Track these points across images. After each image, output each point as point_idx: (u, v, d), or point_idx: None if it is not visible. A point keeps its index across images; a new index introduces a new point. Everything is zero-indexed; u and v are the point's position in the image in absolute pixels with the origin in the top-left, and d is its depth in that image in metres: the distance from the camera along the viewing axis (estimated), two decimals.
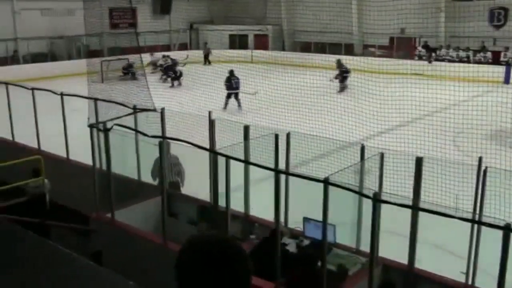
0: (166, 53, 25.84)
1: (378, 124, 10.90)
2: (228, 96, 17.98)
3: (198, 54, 28.84)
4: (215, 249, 1.41)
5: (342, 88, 20.89)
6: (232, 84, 18.01)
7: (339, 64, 21.81)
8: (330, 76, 20.43)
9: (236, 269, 1.41)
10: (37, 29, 26.55)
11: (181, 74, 23.41)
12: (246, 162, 6.49)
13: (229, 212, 6.09)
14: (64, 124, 10.46)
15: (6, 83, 12.11)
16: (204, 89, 14.11)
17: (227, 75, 18.18)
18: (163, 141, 6.83)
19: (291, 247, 6.36)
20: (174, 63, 24.12)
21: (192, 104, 11.25)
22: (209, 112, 7.46)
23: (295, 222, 6.70)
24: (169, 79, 23.45)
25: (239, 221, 7.00)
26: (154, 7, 31.73)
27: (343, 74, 21.36)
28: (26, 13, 26.59)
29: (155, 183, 8.19)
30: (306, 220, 6.29)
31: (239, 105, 17.86)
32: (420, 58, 26.54)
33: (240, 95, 18.01)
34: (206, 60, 29.51)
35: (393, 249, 5.96)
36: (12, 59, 26.13)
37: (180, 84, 22.96)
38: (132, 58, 21.12)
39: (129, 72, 20.66)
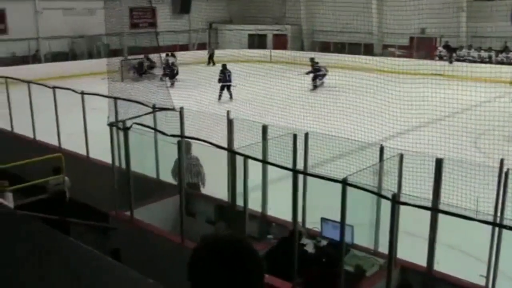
0: (170, 52, 25.26)
1: (397, 125, 10.79)
2: (222, 88, 19.71)
3: (218, 53, 28.92)
4: (228, 249, 1.42)
5: (314, 87, 21.21)
6: (225, 76, 19.74)
7: (312, 62, 22.07)
8: (301, 71, 21.14)
9: (249, 270, 1.41)
10: (58, 29, 26.91)
11: (177, 73, 22.83)
12: (264, 162, 6.49)
13: (247, 211, 6.09)
14: (84, 122, 10.57)
15: (28, 82, 12.29)
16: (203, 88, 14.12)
17: (221, 68, 20.08)
18: (182, 140, 6.86)
19: (309, 247, 6.34)
20: (172, 62, 23.41)
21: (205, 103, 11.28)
22: (227, 112, 7.47)
23: (312, 222, 6.67)
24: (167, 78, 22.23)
25: (257, 221, 7.00)
26: (173, 7, 31.91)
27: (315, 72, 21.69)
28: (48, 13, 26.97)
29: (176, 182, 8.22)
30: (323, 220, 6.26)
31: (231, 96, 19.44)
32: (441, 58, 26.24)
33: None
34: (210, 60, 29.46)
35: (411, 251, 5.90)
36: (34, 58, 26.51)
37: (172, 84, 21.32)
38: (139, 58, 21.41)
39: (142, 72, 20.74)
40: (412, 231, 6.68)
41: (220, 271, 1.37)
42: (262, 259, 1.47)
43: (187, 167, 8.27)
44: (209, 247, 1.43)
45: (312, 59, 22.27)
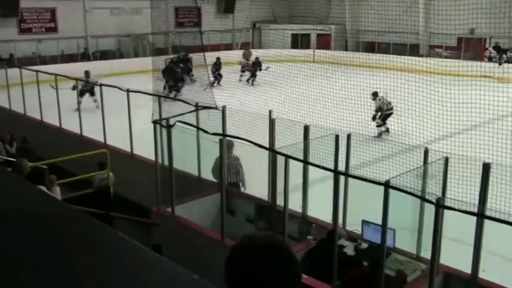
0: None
1: (443, 127, 10.53)
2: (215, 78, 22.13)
3: (261, 53, 28.85)
4: (266, 250, 1.41)
5: (251, 82, 22.51)
6: (219, 67, 22.37)
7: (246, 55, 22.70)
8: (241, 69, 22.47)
9: (286, 272, 1.40)
10: (106, 28, 27.60)
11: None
12: (306, 162, 6.46)
13: (287, 211, 6.08)
14: (129, 119, 10.79)
15: (76, 79, 12.65)
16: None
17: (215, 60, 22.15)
18: (224, 138, 6.91)
19: (349, 249, 6.27)
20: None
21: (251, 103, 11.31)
22: (270, 112, 7.47)
23: (353, 224, 6.60)
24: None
25: (297, 221, 6.98)
26: (218, 6, 32.17)
27: (254, 67, 22.68)
28: (96, 12, 27.70)
29: (216, 180, 8.29)
30: (365, 223, 6.18)
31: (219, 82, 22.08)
32: (490, 59, 25.45)
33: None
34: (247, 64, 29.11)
35: (455, 257, 5.75)
36: (83, 56, 27.27)
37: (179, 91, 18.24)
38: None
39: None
40: (457, 237, 6.50)
41: (257, 272, 1.37)
42: (298, 261, 1.46)
43: (227, 166, 8.33)
44: (247, 247, 1.43)
45: (245, 53, 23.64)
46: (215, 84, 21.91)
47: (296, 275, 1.43)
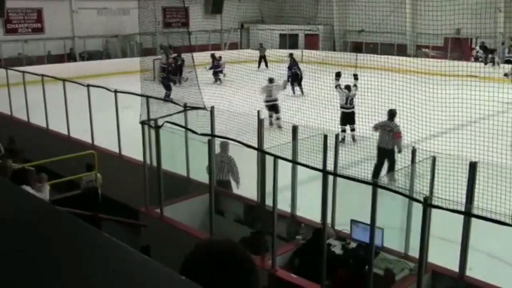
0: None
1: (430, 127, 10.60)
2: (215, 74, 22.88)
3: (248, 53, 28.81)
4: (222, 256, 1.35)
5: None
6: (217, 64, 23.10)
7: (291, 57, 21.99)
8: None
9: (242, 279, 1.34)
10: (93, 28, 27.42)
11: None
12: (294, 162, 6.47)
13: (276, 211, 6.09)
14: (117, 120, 10.72)
15: (63, 80, 12.54)
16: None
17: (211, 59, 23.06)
18: (212, 139, 6.90)
19: (337, 249, 6.29)
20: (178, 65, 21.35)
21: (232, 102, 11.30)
22: (258, 112, 7.48)
23: (342, 224, 6.62)
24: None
25: (286, 221, 6.99)
26: (206, 6, 32.11)
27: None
28: (83, 12, 27.51)
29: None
30: (353, 222, 6.20)
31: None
32: (477, 59, 25.69)
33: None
34: (262, 61, 28.97)
35: (443, 255, 5.79)
36: (69, 57, 27.07)
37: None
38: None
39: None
40: (444, 236, 6.55)
41: (212, 279, 1.30)
42: (257, 271, 1.38)
43: (220, 165, 8.33)
44: (203, 254, 1.38)
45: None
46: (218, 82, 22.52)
47: (253, 280, 1.35)
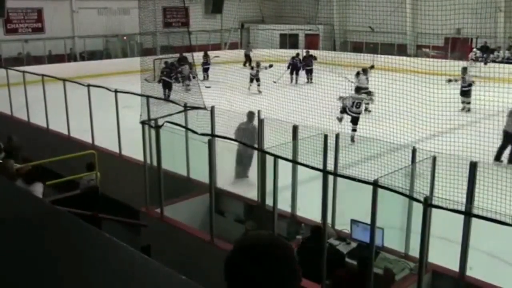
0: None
1: (431, 127, 10.59)
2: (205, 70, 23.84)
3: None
4: (265, 249, 1.41)
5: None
6: (208, 61, 24.16)
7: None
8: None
9: (285, 270, 1.40)
10: (93, 28, 27.41)
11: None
12: (294, 162, 6.46)
13: (276, 211, 6.09)
14: (117, 120, 10.71)
15: (63, 80, 12.53)
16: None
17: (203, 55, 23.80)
18: (213, 139, 6.90)
19: (341, 247, 6.29)
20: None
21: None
22: (258, 111, 7.48)
23: (342, 224, 6.61)
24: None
25: (286, 221, 6.99)
26: (206, 6, 32.08)
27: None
28: (83, 12, 27.51)
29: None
30: (353, 222, 6.20)
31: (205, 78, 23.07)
32: (476, 59, 25.67)
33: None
34: (247, 61, 29.12)
35: (443, 255, 5.79)
36: (69, 57, 27.06)
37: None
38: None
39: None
40: (445, 236, 6.55)
41: (256, 271, 1.37)
42: (297, 260, 1.46)
43: (243, 133, 8.99)
44: (247, 247, 1.43)
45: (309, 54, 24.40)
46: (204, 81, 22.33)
47: (295, 274, 1.43)
